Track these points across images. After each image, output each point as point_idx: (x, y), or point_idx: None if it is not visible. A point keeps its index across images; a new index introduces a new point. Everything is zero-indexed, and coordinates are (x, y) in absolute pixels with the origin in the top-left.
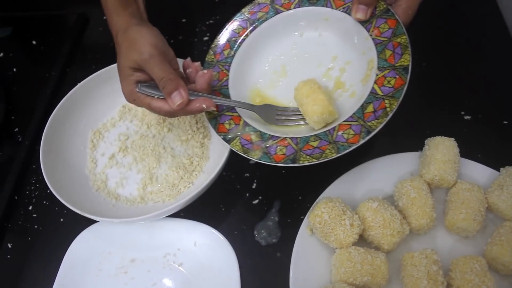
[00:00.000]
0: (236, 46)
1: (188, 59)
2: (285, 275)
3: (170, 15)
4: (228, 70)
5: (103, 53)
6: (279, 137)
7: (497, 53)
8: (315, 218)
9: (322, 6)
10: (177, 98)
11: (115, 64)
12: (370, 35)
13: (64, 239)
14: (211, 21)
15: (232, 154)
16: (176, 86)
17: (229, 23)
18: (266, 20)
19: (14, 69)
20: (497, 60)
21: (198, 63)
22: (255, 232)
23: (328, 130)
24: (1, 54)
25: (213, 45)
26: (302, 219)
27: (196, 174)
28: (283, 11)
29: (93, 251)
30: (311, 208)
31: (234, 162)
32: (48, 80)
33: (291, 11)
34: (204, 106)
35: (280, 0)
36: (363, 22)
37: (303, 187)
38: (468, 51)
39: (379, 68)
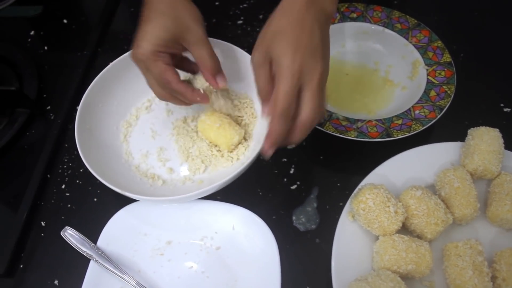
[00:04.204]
0: None
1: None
2: (324, 261)
3: None
4: None
5: (134, 34)
6: (364, 119)
7: None
8: (359, 205)
9: (361, 21)
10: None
11: None
12: (410, 42)
13: (98, 219)
14: (244, 5)
15: None
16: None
17: None
18: None
19: (46, 47)
20: None
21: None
22: (294, 218)
23: (406, 110)
24: (32, 32)
25: None
26: (341, 206)
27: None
28: None
29: (129, 232)
30: (353, 194)
31: None
32: (80, 59)
33: (335, 25)
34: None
35: None
36: (400, 32)
37: (342, 174)
38: (506, 42)
39: (427, 65)
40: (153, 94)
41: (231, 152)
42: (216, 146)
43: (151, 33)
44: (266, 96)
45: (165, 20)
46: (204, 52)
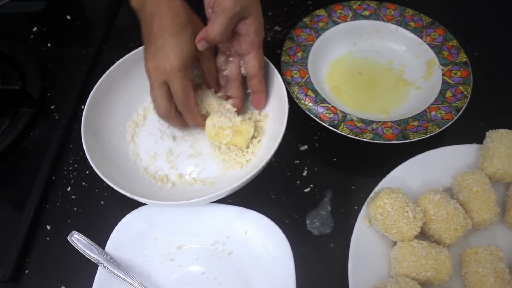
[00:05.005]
0: (306, 49)
1: None
2: (339, 267)
3: None
4: (307, 70)
5: (140, 31)
6: (379, 121)
7: None
8: (376, 209)
9: (374, 19)
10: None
11: None
12: (424, 41)
13: (105, 223)
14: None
15: (282, 140)
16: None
17: (293, 30)
18: (327, 30)
19: (49, 45)
20: None
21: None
22: (308, 222)
23: (422, 111)
24: (35, 28)
25: (285, 48)
26: (356, 210)
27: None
28: (340, 23)
29: (138, 237)
30: (370, 199)
31: (284, 148)
32: (84, 57)
33: (347, 23)
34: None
35: (336, 14)
36: (414, 31)
37: (355, 177)
38: None
39: (442, 64)
40: None
41: (248, 147)
42: (227, 146)
43: (181, 45)
44: None
45: (189, 33)
46: (212, 65)
